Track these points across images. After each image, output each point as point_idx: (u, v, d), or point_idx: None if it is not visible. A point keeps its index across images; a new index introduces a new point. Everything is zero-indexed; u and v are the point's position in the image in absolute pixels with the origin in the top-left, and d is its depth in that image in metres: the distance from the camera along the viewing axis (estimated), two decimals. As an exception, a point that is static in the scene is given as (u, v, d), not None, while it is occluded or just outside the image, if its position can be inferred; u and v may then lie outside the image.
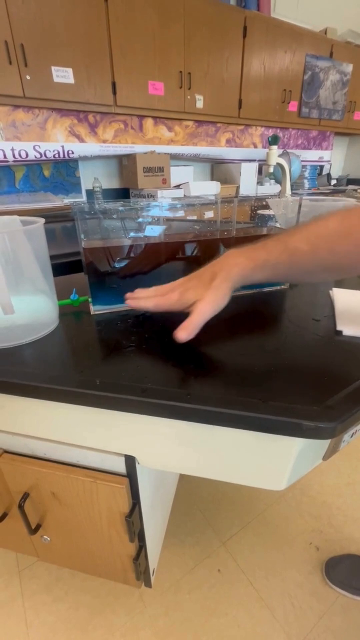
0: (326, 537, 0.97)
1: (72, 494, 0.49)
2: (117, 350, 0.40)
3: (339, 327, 0.44)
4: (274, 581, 0.87)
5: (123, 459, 0.44)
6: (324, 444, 0.38)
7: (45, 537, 0.58)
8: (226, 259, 0.39)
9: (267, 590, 0.85)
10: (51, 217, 1.35)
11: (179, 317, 0.38)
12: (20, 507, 0.50)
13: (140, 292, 0.44)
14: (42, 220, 0.41)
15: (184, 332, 0.37)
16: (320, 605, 0.82)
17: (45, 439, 0.46)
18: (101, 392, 0.33)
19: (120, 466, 0.45)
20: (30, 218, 0.42)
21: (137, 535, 0.53)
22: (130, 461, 0.44)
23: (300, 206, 0.55)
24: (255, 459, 0.37)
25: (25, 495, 0.51)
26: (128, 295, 0.44)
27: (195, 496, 1.09)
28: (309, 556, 0.92)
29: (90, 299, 0.49)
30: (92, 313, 0.49)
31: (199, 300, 0.38)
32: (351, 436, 0.40)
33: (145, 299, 0.43)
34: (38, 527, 0.56)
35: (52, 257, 0.45)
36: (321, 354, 0.39)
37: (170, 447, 0.40)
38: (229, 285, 0.38)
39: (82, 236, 0.46)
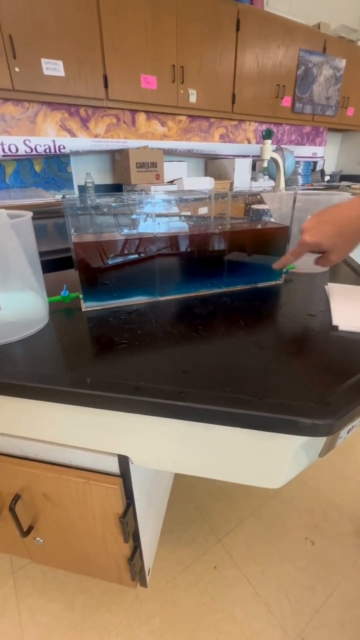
0: (322, 531, 0.97)
1: (64, 495, 0.48)
2: (109, 348, 0.39)
3: (334, 322, 0.43)
4: (270, 577, 0.87)
5: (116, 458, 0.43)
6: (320, 441, 0.38)
7: (37, 538, 0.57)
8: None
9: (263, 586, 0.85)
10: (42, 213, 1.33)
11: (175, 317, 0.37)
12: (11, 509, 0.49)
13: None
14: (30, 213, 0.40)
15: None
16: (316, 600, 0.82)
17: (36, 439, 0.45)
18: (92, 391, 0.32)
19: (113, 466, 0.44)
20: (18, 212, 0.41)
21: (132, 535, 0.52)
22: (123, 461, 0.43)
23: (295, 200, 0.54)
24: (251, 457, 0.36)
25: (16, 497, 0.50)
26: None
27: (191, 493, 1.09)
28: (305, 551, 0.93)
29: (81, 296, 0.48)
30: (83, 310, 0.48)
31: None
32: (348, 432, 0.40)
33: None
34: (30, 529, 0.55)
35: (43, 254, 0.44)
36: (317, 350, 0.38)
37: (164, 446, 0.39)
38: None
39: (72, 231, 0.45)
